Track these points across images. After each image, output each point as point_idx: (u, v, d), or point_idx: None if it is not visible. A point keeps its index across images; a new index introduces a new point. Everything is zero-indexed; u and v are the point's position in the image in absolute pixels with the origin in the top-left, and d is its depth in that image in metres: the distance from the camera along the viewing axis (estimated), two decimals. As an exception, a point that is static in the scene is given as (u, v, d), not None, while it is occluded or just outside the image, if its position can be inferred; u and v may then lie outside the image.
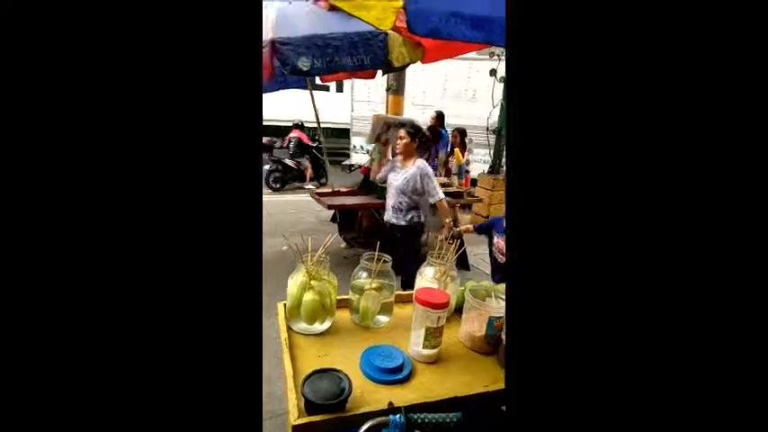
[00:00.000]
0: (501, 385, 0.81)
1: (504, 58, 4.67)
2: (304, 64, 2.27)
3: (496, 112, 4.76)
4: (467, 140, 4.15)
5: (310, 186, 6.01)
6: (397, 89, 5.20)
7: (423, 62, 3.06)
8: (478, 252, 3.93)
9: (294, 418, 0.66)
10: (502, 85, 4.59)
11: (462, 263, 3.41)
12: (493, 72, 4.84)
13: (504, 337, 0.87)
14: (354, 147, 7.53)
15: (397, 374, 0.81)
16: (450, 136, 3.95)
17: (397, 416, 0.63)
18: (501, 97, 4.65)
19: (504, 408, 0.90)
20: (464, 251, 3.22)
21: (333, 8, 2.51)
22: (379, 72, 3.21)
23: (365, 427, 0.64)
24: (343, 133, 8.43)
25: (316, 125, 3.83)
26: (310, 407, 0.68)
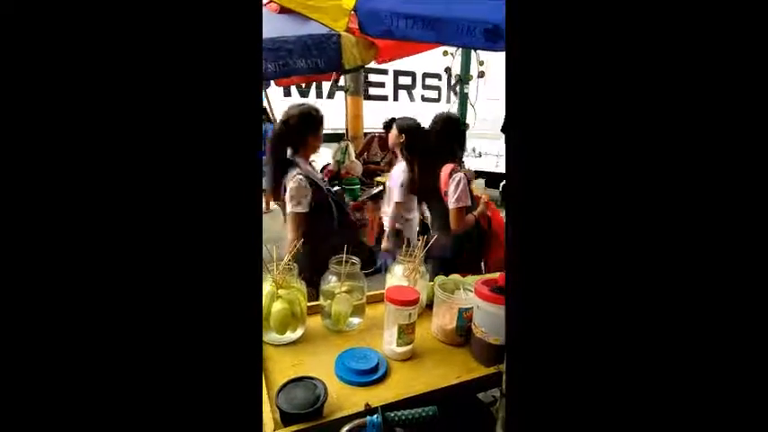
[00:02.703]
0: (475, 374, 0.83)
1: (457, 55, 4.78)
2: (257, 68, 2.20)
3: (454, 110, 4.85)
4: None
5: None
6: (355, 90, 5.20)
7: (377, 62, 3.08)
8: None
9: (270, 431, 0.65)
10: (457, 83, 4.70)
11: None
12: (447, 70, 4.94)
13: (474, 327, 0.90)
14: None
15: (372, 375, 0.81)
16: None
17: (375, 416, 0.64)
18: (457, 96, 4.74)
19: (478, 396, 0.93)
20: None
21: (283, 10, 2.47)
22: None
23: (342, 431, 0.63)
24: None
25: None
26: (286, 418, 0.66)
